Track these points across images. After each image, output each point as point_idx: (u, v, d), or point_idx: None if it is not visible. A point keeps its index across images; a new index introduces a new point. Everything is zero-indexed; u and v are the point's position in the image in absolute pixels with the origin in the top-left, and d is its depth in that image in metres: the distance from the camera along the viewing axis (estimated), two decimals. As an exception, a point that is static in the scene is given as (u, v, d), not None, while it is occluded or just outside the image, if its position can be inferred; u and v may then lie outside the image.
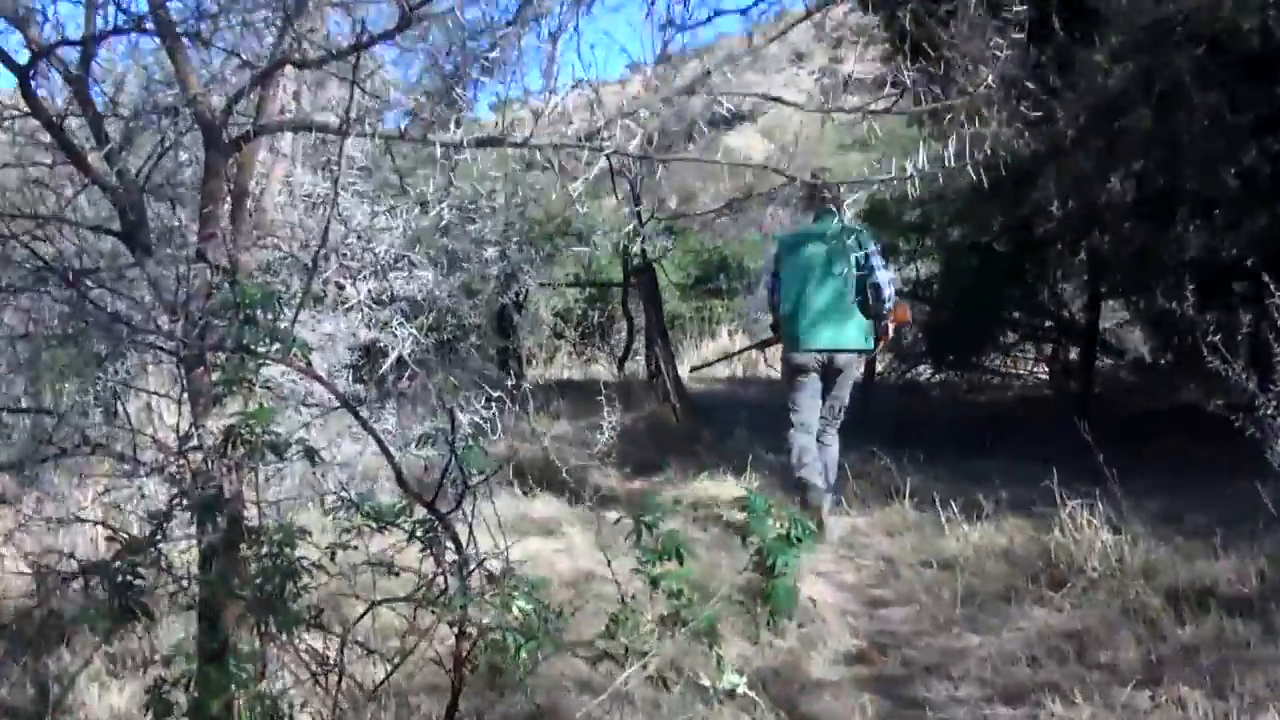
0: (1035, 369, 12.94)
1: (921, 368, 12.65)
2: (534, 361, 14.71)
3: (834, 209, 6.23)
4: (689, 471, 7.96)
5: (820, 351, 6.40)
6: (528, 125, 3.23)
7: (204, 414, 2.89)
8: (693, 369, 11.58)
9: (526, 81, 4.27)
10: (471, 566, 2.71)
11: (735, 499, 7.08)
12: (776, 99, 3.63)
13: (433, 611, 2.77)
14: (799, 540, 2.80)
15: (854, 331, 6.40)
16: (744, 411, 9.83)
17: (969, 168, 3.04)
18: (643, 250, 11.48)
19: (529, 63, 3.80)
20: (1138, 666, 4.03)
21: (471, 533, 2.95)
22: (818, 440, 6.62)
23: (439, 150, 3.20)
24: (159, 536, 2.91)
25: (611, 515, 6.87)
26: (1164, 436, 8.06)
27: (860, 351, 6.54)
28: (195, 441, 2.92)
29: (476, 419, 4.20)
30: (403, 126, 3.17)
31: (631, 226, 11.69)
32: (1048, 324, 12.26)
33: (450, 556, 2.84)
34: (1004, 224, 10.42)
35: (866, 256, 6.23)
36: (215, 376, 2.72)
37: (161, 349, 3.08)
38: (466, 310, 7.95)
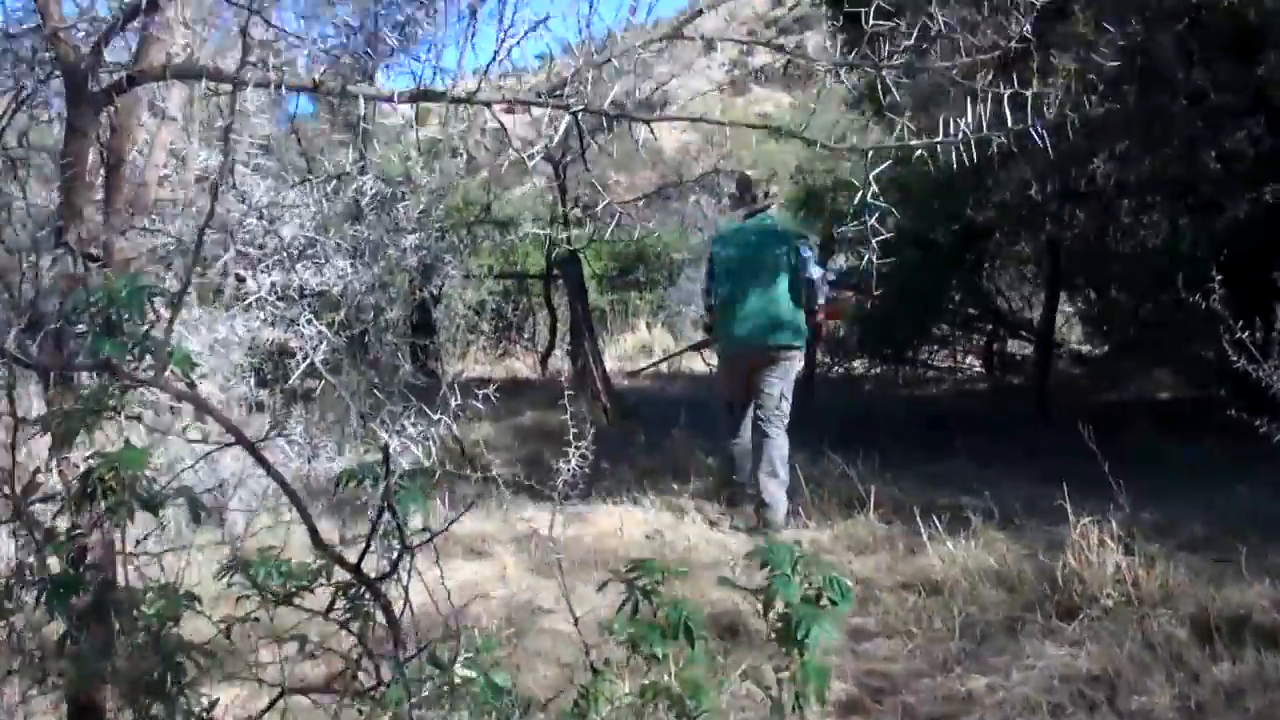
0: (973, 362, 12.58)
1: (856, 363, 12.20)
2: (448, 358, 13.98)
3: (766, 209, 6.66)
4: (627, 479, 7.33)
5: (753, 348, 6.42)
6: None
7: (59, 450, 2.20)
8: (629, 374, 11.00)
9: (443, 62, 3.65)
10: (410, 652, 2.05)
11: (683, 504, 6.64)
12: (796, 54, 3.00)
13: (360, 710, 2.11)
14: (834, 603, 2.19)
15: (785, 328, 6.40)
16: (675, 409, 9.24)
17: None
18: (567, 239, 10.86)
19: (445, 39, 3.18)
20: (1176, 714, 3.49)
21: (409, 602, 2.30)
22: (763, 436, 6.44)
23: (362, 105, 2.54)
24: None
25: (542, 527, 6.32)
26: (1130, 433, 7.61)
27: (792, 348, 6.48)
28: (51, 486, 2.24)
29: (405, 439, 3.56)
30: (315, 76, 2.48)
31: (559, 213, 11.11)
32: (988, 316, 11.88)
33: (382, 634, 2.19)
34: (948, 213, 9.98)
35: (799, 254, 6.37)
36: (68, 403, 2.03)
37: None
38: (384, 304, 7.28)
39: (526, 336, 14.52)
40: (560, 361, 11.89)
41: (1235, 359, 4.19)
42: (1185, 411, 8.42)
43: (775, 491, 6.33)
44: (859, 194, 2.62)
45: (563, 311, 11.87)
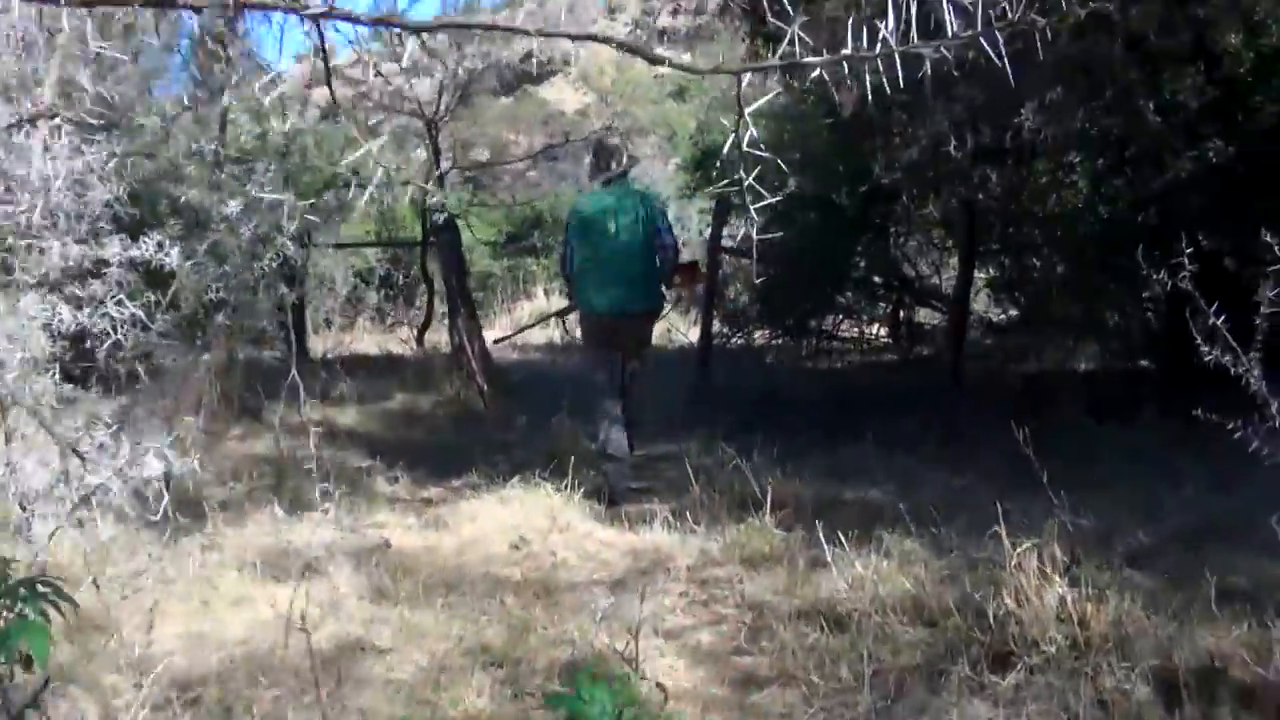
0: (880, 333, 11.90)
1: (757, 334, 11.49)
2: (329, 330, 12.89)
3: (624, 175, 6.71)
4: (498, 473, 6.48)
5: (614, 316, 6.45)
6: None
7: None
8: (496, 340, 10.10)
9: None
10: None
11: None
12: None
13: None
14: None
15: (645, 294, 6.44)
16: (562, 389, 8.45)
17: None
18: (442, 204, 9.95)
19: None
20: (1140, 802, 2.75)
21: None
22: (627, 399, 6.59)
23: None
24: None
25: (395, 536, 5.47)
26: (1052, 411, 6.94)
27: (652, 312, 6.68)
28: None
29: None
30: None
31: (432, 176, 10.21)
32: (895, 284, 11.22)
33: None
34: (852, 172, 9.28)
35: (654, 219, 6.41)
36: None
37: None
38: (210, 279, 6.29)
39: (416, 309, 13.45)
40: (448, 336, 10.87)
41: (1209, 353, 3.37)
42: (1111, 385, 7.74)
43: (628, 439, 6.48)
44: (730, 140, 1.84)
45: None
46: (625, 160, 6.75)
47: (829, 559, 4.33)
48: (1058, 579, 3.46)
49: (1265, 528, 3.28)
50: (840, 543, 4.36)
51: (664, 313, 7.12)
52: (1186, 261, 3.27)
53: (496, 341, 10.07)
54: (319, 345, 11.60)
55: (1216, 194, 5.59)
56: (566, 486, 6.00)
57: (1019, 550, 3.57)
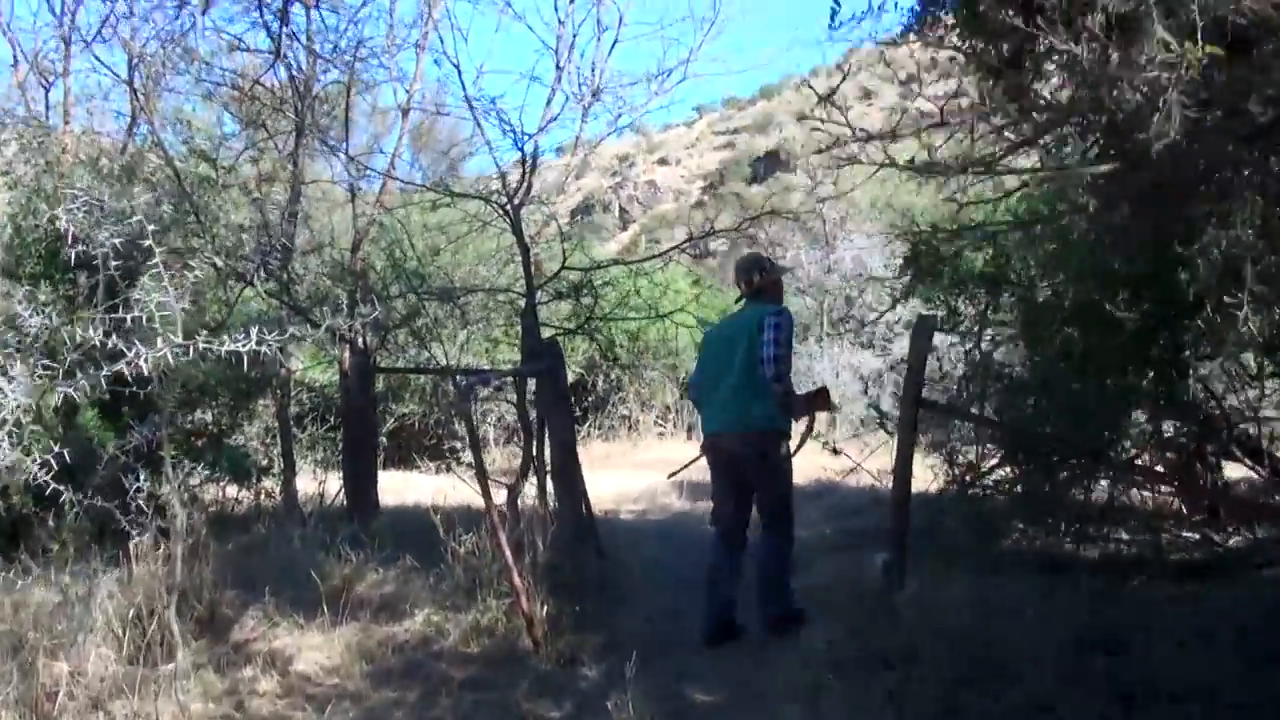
0: (1176, 506, 8.21)
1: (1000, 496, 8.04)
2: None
3: (758, 293, 6.15)
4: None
5: (718, 435, 6.02)
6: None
7: None
8: (670, 475, 7.71)
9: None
10: None
11: None
12: None
13: None
14: None
15: (747, 413, 5.86)
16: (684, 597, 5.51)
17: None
18: (533, 319, 7.20)
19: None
20: None
21: None
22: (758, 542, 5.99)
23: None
24: None
25: None
26: None
27: (759, 432, 5.86)
28: None
29: None
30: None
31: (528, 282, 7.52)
32: (1194, 429, 7.63)
33: None
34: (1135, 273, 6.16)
35: (760, 331, 5.84)
36: None
37: None
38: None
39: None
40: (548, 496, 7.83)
41: None
42: None
43: (775, 600, 5.82)
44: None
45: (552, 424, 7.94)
46: (760, 276, 6.14)
47: None
48: None
49: None
50: None
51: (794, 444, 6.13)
52: None
53: (670, 476, 7.58)
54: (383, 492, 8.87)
55: None
56: None
57: None
